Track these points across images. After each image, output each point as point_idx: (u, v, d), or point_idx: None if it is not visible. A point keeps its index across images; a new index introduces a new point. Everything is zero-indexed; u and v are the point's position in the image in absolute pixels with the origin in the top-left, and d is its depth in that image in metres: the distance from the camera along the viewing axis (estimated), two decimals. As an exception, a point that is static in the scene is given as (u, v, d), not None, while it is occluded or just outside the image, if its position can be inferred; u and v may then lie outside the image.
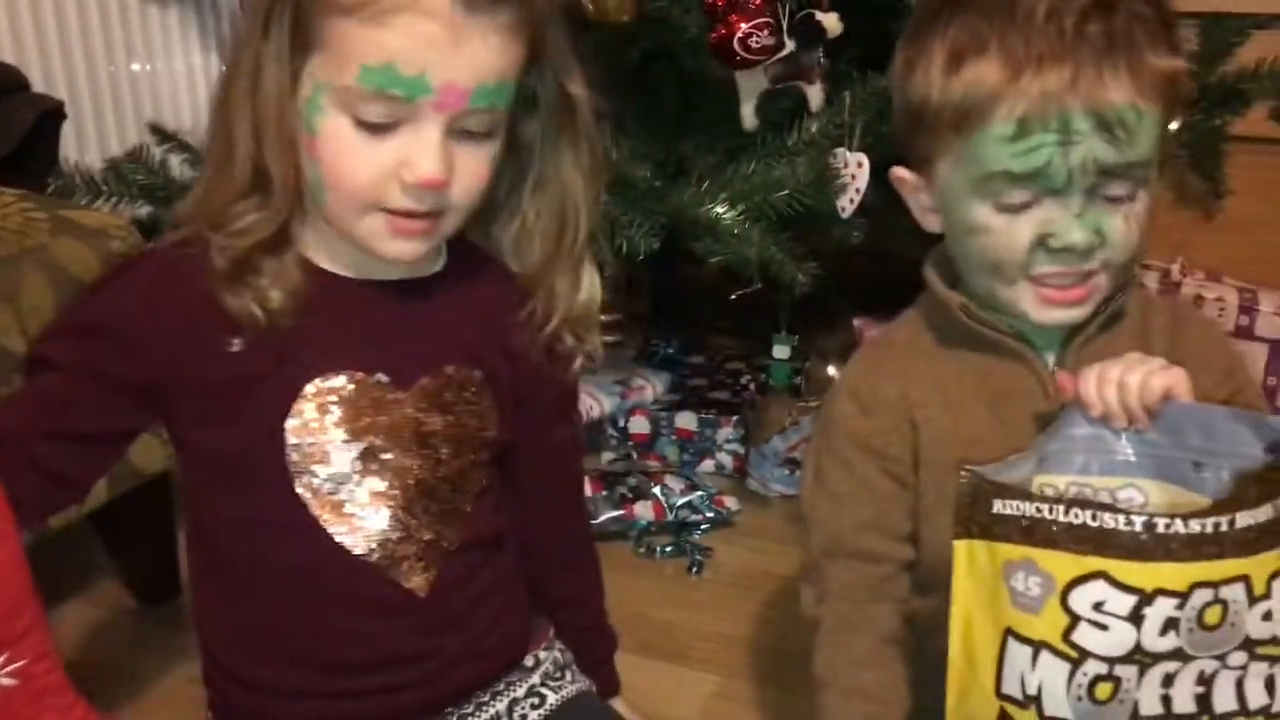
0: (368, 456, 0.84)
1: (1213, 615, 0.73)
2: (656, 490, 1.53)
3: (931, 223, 0.90)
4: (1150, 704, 0.74)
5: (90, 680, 1.27)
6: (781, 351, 1.81)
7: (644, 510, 1.51)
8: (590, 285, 0.92)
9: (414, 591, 0.86)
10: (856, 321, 1.92)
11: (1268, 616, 0.74)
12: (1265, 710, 0.75)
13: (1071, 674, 0.74)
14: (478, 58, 0.77)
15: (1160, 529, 0.73)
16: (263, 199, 0.80)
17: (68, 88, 1.79)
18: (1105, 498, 0.76)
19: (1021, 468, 0.79)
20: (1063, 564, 0.74)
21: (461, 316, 0.88)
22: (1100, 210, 0.81)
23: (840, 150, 1.40)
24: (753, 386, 1.80)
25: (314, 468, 0.83)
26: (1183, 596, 0.73)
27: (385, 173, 0.78)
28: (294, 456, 0.82)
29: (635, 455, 1.70)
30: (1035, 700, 0.75)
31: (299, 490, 0.83)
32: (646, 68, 1.59)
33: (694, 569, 1.45)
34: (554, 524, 1.01)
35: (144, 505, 1.30)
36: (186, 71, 2.01)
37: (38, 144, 1.46)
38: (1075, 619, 0.74)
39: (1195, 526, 0.73)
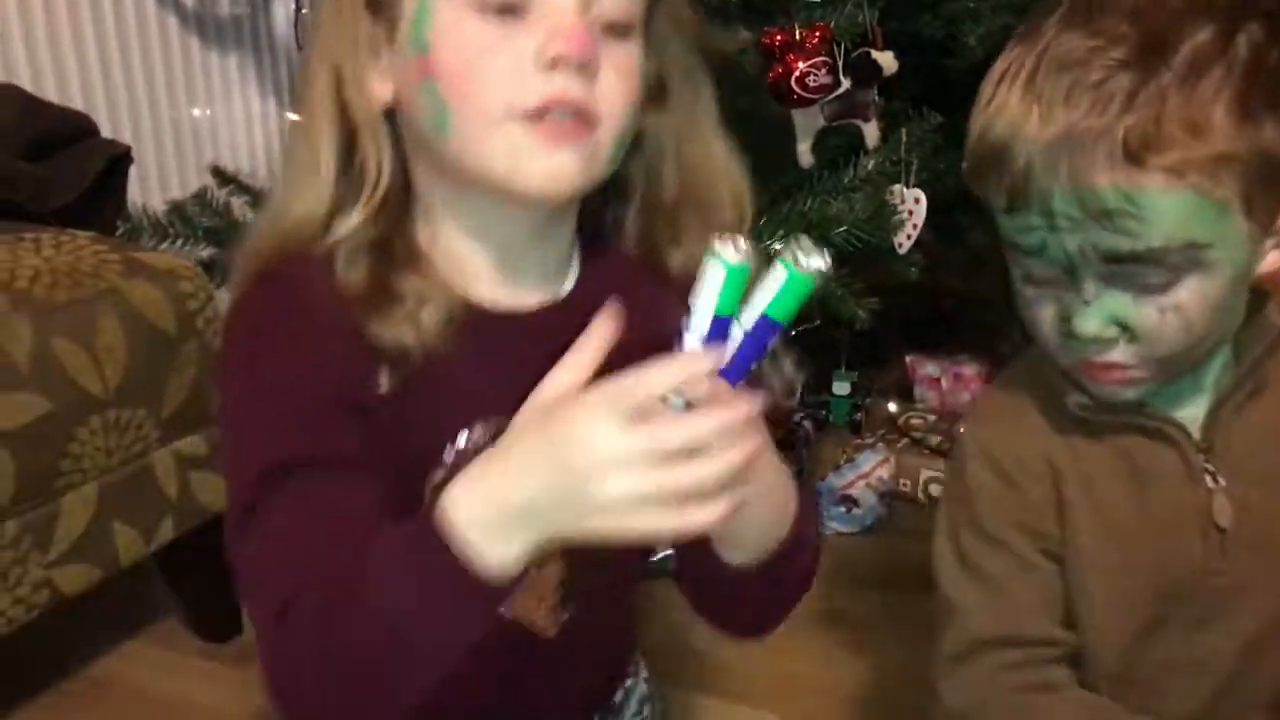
0: None
1: None
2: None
3: None
4: None
5: (158, 718, 1.29)
6: (841, 388, 1.81)
7: (701, 548, 1.50)
8: None
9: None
10: (908, 358, 1.91)
11: None
12: None
13: None
14: None
15: None
16: (353, 189, 0.70)
17: (133, 132, 1.83)
18: None
19: None
20: None
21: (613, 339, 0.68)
22: (1121, 299, 0.67)
23: (897, 187, 1.40)
24: (808, 424, 1.79)
25: None
26: None
27: (521, 59, 0.66)
28: None
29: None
30: None
31: None
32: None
33: (752, 607, 1.44)
34: None
35: (207, 542, 1.32)
36: (245, 116, 2.05)
37: (106, 188, 1.49)
38: None
39: None
